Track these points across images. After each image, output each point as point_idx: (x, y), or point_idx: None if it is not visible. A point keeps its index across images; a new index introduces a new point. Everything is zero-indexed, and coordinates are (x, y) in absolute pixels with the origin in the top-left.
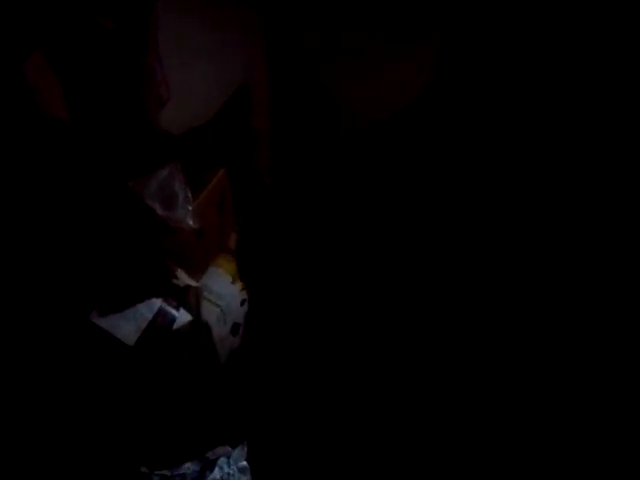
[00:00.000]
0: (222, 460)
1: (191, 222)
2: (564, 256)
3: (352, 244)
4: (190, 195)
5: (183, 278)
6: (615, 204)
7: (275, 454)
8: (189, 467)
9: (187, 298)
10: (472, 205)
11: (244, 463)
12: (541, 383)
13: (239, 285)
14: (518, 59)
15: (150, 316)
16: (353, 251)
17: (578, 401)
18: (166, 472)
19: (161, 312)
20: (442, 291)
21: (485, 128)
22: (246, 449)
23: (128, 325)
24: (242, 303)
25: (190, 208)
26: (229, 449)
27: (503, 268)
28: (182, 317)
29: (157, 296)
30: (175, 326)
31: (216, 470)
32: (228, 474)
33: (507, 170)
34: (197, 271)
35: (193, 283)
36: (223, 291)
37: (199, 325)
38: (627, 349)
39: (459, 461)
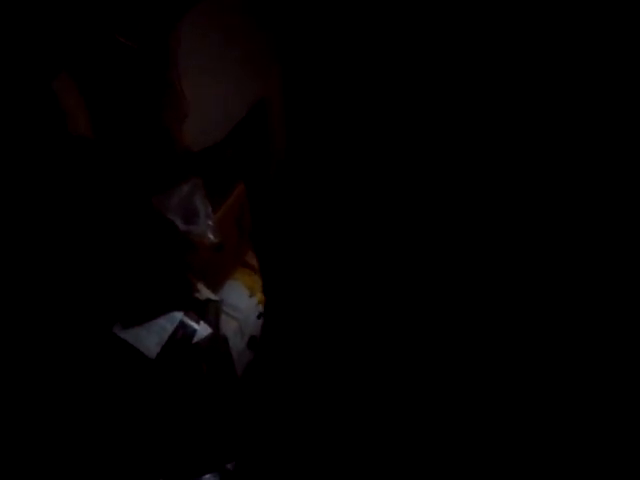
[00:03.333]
0: None
1: (212, 236)
2: (564, 256)
3: (361, 251)
4: (211, 210)
5: (204, 292)
6: (615, 204)
7: (285, 463)
8: (209, 479)
9: (207, 311)
10: (472, 205)
11: None
12: (541, 383)
13: (256, 298)
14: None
15: (171, 329)
16: (362, 258)
17: (578, 401)
18: None
19: (182, 325)
20: (442, 291)
21: (483, 127)
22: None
23: (150, 338)
24: (259, 316)
25: (211, 223)
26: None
27: (503, 268)
28: (202, 330)
29: (179, 309)
30: (195, 339)
31: None
32: None
33: (507, 169)
34: (217, 285)
35: (213, 297)
36: (241, 304)
37: (218, 338)
38: (627, 349)
39: (459, 461)
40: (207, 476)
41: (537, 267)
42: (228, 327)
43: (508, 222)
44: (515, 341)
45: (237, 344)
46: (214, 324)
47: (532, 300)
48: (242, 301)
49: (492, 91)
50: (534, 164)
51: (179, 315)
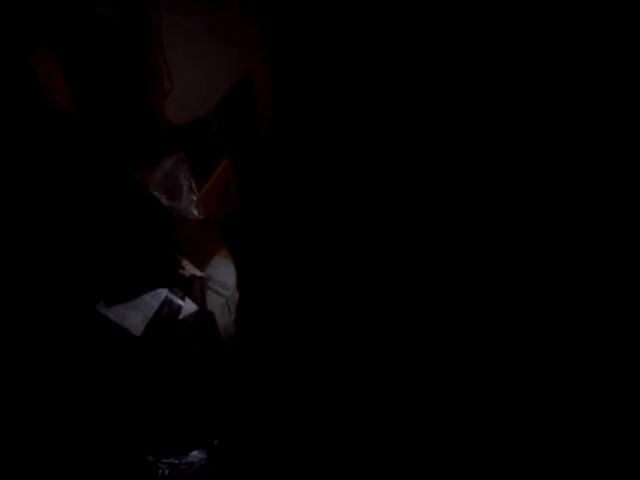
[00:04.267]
0: None
1: (196, 212)
2: (564, 256)
3: (351, 239)
4: (195, 185)
5: (189, 268)
6: (615, 204)
7: (270, 451)
8: (196, 455)
9: (192, 288)
10: (472, 205)
11: None
12: (541, 383)
13: None
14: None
15: (156, 306)
16: (352, 246)
17: (578, 401)
18: (173, 460)
19: (167, 302)
20: (442, 290)
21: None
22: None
23: (135, 315)
24: None
25: (195, 198)
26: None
27: (503, 268)
28: (188, 307)
29: (163, 286)
30: (181, 316)
31: None
32: None
33: (506, 169)
34: (202, 261)
35: (198, 273)
36: (228, 281)
37: (204, 315)
38: (627, 349)
39: (459, 461)
40: (194, 452)
41: (537, 267)
42: (215, 304)
43: (508, 222)
44: (515, 341)
45: (224, 321)
46: (200, 301)
47: (532, 300)
48: (229, 277)
49: (490, 90)
50: (534, 164)
51: (164, 292)
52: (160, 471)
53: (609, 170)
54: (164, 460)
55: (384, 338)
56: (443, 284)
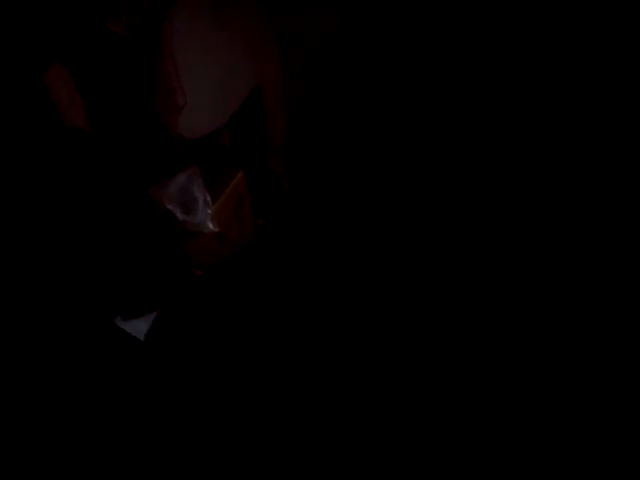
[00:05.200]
0: None
1: (211, 225)
2: (564, 256)
3: (363, 245)
4: (209, 199)
5: None
6: (615, 204)
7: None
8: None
9: None
10: (472, 205)
11: None
12: (541, 383)
13: None
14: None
15: None
16: (363, 251)
17: (578, 401)
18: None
19: None
20: (442, 290)
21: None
22: None
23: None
24: None
25: (209, 212)
26: None
27: (503, 268)
28: None
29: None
30: None
31: None
32: None
33: (506, 168)
34: None
35: None
36: None
37: None
38: (627, 349)
39: (459, 461)
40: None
41: (537, 267)
42: None
43: (509, 222)
44: (515, 341)
45: None
46: None
47: (532, 300)
48: None
49: (491, 92)
50: (535, 165)
51: None
52: None
53: (609, 170)
54: None
55: (385, 337)
56: (444, 284)
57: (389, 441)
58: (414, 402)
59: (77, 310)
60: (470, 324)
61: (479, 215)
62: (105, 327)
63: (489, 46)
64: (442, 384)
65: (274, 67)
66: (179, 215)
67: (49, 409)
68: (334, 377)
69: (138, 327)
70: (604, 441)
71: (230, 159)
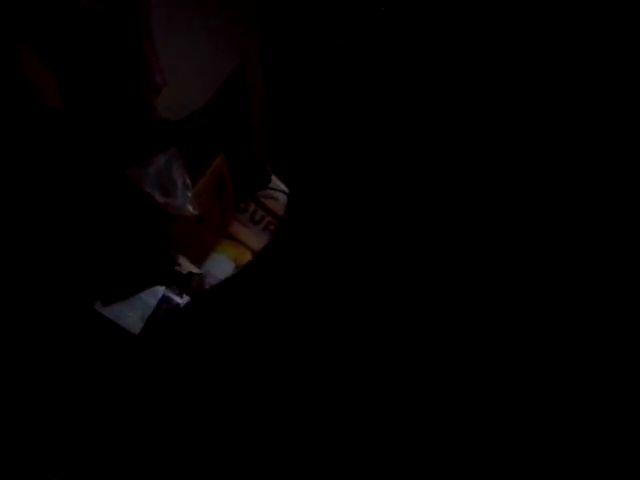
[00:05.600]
0: None
1: (191, 208)
2: (564, 256)
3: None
4: (189, 181)
5: (185, 265)
6: (615, 204)
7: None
8: None
9: (190, 285)
10: (472, 205)
11: None
12: (541, 383)
13: None
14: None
15: (154, 304)
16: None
17: (578, 401)
18: None
19: (165, 300)
20: (442, 290)
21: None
22: None
23: (132, 314)
24: None
25: (190, 194)
26: None
27: (503, 268)
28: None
29: (160, 284)
30: None
31: None
32: None
33: (506, 168)
34: (199, 258)
35: (195, 270)
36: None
37: None
38: (627, 349)
39: (459, 461)
40: None
41: (537, 268)
42: None
43: (509, 223)
44: (515, 341)
45: None
46: None
47: (532, 300)
48: (227, 273)
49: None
50: (537, 167)
51: (161, 290)
52: None
53: (609, 170)
54: None
55: (385, 337)
56: (444, 284)
57: (389, 441)
58: (414, 402)
59: (57, 295)
60: (470, 324)
61: (479, 215)
62: (86, 313)
63: (489, 46)
64: (442, 385)
65: (255, 46)
66: (158, 198)
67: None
68: (334, 377)
69: (129, 321)
70: (604, 441)
71: (211, 141)
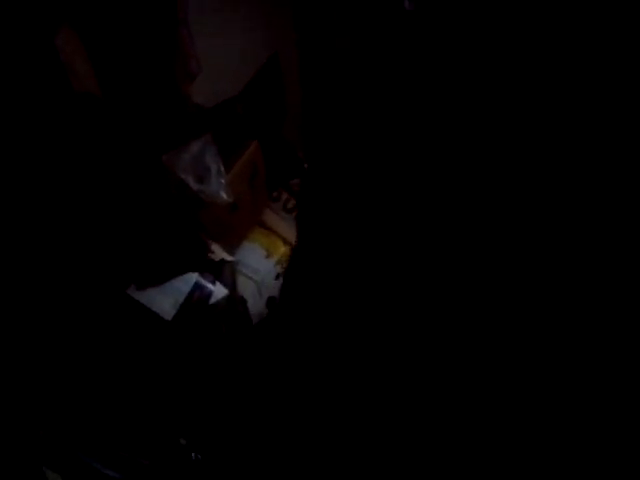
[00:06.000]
0: None
1: (225, 196)
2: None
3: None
4: (223, 168)
5: (218, 252)
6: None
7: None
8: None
9: (223, 272)
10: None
11: None
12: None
13: (274, 259)
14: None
15: (187, 291)
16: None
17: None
18: None
19: (198, 286)
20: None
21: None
22: None
23: (165, 300)
24: (277, 277)
25: (223, 181)
26: None
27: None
28: (218, 291)
29: (193, 271)
30: (212, 300)
31: None
32: None
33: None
34: (232, 245)
35: (228, 257)
36: (258, 265)
37: (235, 299)
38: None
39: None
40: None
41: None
42: (245, 288)
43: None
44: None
45: (255, 305)
46: (230, 285)
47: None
48: (259, 261)
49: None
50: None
51: (194, 276)
52: (193, 455)
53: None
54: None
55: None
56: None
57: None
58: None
59: (91, 280)
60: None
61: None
62: (120, 298)
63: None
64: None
65: (290, 34)
66: (192, 184)
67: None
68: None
69: (162, 306)
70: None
71: (245, 128)
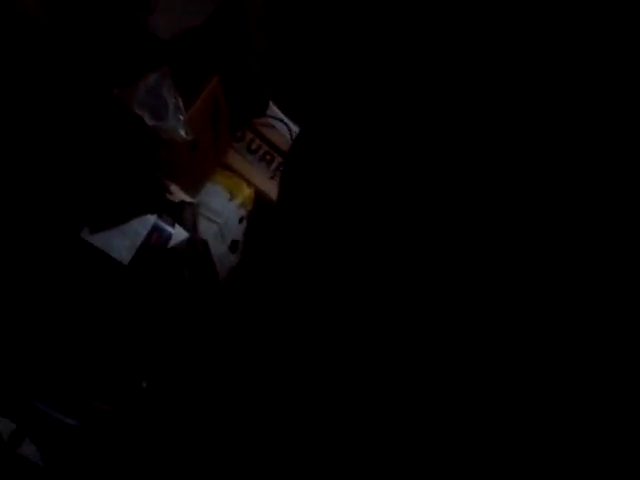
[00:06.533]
0: None
1: (184, 133)
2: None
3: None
4: (182, 104)
5: (178, 194)
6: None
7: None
8: None
9: (183, 215)
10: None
11: None
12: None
13: (237, 201)
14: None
15: (144, 233)
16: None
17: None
18: None
19: (156, 229)
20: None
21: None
22: None
23: (122, 242)
24: (240, 220)
25: (182, 118)
26: None
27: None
28: (178, 234)
29: (151, 212)
30: (171, 244)
31: None
32: None
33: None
34: (192, 187)
35: (189, 199)
36: (221, 208)
37: (196, 242)
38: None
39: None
40: None
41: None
42: (207, 231)
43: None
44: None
45: (218, 248)
46: (191, 228)
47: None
48: (222, 204)
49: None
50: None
51: (152, 218)
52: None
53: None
54: None
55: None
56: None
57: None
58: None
59: (42, 222)
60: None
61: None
62: (73, 241)
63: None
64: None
65: None
66: (148, 120)
67: None
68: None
69: (119, 250)
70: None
71: (207, 62)
